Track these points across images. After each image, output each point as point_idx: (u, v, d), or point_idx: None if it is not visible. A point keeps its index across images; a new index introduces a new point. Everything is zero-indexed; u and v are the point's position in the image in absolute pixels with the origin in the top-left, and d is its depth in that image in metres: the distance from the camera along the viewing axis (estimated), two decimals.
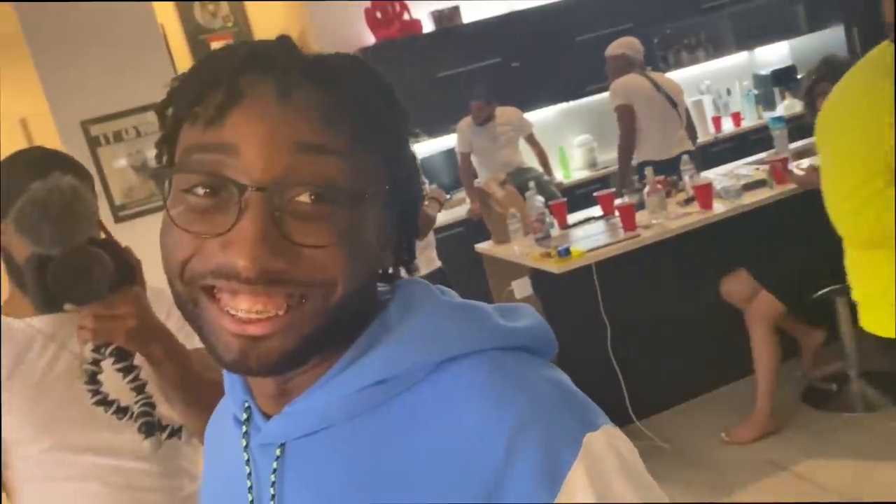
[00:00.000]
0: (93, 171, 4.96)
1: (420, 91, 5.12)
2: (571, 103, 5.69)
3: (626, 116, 4.13)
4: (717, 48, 5.89)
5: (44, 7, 4.57)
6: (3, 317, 1.24)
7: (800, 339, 3.35)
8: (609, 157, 5.57)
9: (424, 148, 5.35)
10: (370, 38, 5.25)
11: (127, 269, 1.00)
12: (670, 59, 5.67)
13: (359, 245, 0.54)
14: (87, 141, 4.74)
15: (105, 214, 4.79)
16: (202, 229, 0.52)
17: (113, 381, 1.07)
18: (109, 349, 1.02)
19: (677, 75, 5.22)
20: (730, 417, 3.20)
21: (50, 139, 5.11)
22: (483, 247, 3.88)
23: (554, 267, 3.10)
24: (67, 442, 1.19)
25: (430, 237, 3.55)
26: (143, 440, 1.02)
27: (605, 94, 5.44)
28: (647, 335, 3.38)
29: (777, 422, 3.05)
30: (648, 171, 3.43)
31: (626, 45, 4.26)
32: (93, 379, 1.02)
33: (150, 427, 1.02)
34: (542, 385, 0.55)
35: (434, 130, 5.25)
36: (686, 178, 3.64)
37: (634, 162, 4.23)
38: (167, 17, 6.28)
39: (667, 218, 3.28)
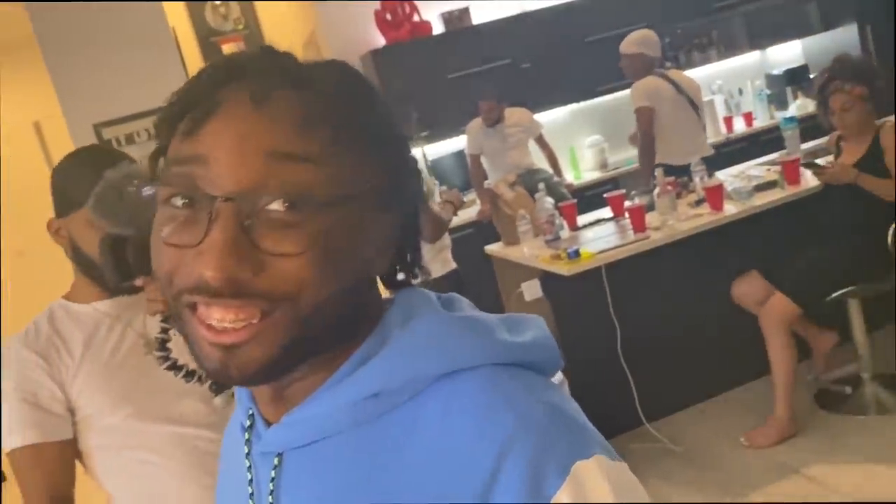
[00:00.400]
0: None
1: (430, 92, 5.13)
2: (582, 104, 5.67)
3: (646, 119, 3.99)
4: (728, 47, 5.86)
5: (55, 9, 4.60)
6: (70, 303, 1.37)
7: (811, 341, 3.32)
8: (620, 157, 5.56)
9: (435, 149, 5.36)
10: (380, 40, 5.26)
11: None
12: (681, 59, 5.64)
13: (337, 252, 0.53)
14: (100, 143, 4.77)
15: None
16: (180, 241, 0.52)
17: (178, 350, 1.19)
18: None
19: (678, 76, 5.19)
20: (742, 420, 3.18)
21: (62, 142, 5.14)
22: (493, 248, 3.88)
23: (564, 269, 3.10)
24: (140, 412, 1.31)
25: (446, 239, 3.54)
26: (214, 397, 1.11)
27: (616, 95, 5.47)
28: (657, 337, 3.36)
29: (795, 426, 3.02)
30: (658, 172, 3.42)
31: (642, 42, 4.09)
32: (163, 347, 1.12)
33: (220, 385, 1.10)
34: (535, 406, 0.53)
35: (445, 132, 5.26)
36: (697, 179, 3.62)
37: (658, 161, 4.14)
38: (178, 19, 6.32)
39: (677, 219, 3.26)
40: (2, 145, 5.73)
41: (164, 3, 4.95)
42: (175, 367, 1.13)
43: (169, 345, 1.14)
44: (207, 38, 6.64)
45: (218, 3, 6.66)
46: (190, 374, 1.14)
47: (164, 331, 1.14)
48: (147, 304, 1.11)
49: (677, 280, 3.39)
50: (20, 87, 5.83)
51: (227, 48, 6.69)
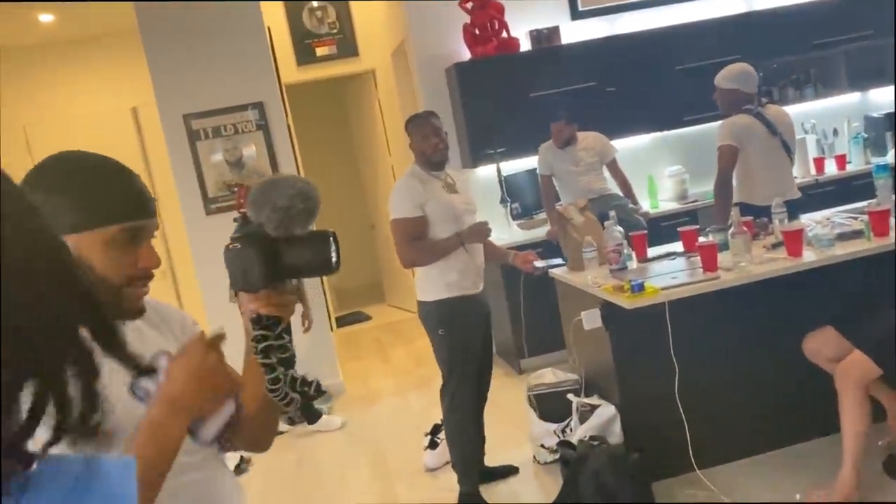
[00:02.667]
0: (190, 163, 5.17)
1: (510, 110, 5.11)
2: (666, 132, 5.55)
3: (725, 157, 3.80)
4: (826, 86, 5.62)
5: (160, 6, 4.80)
6: None
7: (887, 405, 3.14)
8: (700, 190, 5.41)
9: (510, 166, 5.33)
10: (468, 54, 5.28)
11: None
12: (775, 95, 5.44)
13: None
14: (188, 134, 4.95)
15: (197, 207, 4.98)
16: None
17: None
18: (281, 326, 1.14)
19: (774, 112, 5.00)
20: (799, 477, 3.03)
21: (155, 129, 5.36)
22: (557, 272, 3.82)
23: (625, 301, 3.02)
24: None
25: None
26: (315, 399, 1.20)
27: (703, 126, 5.33)
28: (718, 382, 3.24)
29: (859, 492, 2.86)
30: (735, 211, 3.30)
31: (738, 77, 3.89)
32: (267, 354, 1.14)
33: (318, 388, 1.16)
34: None
35: (521, 150, 5.23)
36: (776, 221, 3.48)
37: (737, 200, 3.96)
38: (274, 18, 6.50)
39: (751, 262, 3.14)
40: (102, 127, 6.01)
41: (263, 3, 5.10)
42: (276, 379, 1.16)
43: (272, 353, 1.17)
44: (302, 40, 6.82)
45: (315, 5, 6.83)
46: (276, 381, 1.16)
47: (264, 338, 1.14)
48: (274, 308, 1.13)
49: (744, 325, 3.26)
50: (124, 73, 6.12)
51: (321, 51, 6.85)
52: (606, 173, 4.87)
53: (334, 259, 1.10)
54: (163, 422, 0.97)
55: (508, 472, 3.60)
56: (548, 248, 4.69)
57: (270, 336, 1.13)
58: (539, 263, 3.48)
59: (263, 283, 1.08)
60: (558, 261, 3.76)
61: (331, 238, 1.10)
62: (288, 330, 1.16)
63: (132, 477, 0.47)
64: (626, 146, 5.16)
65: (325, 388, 1.18)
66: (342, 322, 7.41)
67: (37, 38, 5.90)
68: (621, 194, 4.86)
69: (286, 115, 5.35)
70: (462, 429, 3.31)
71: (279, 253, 1.08)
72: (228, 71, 4.94)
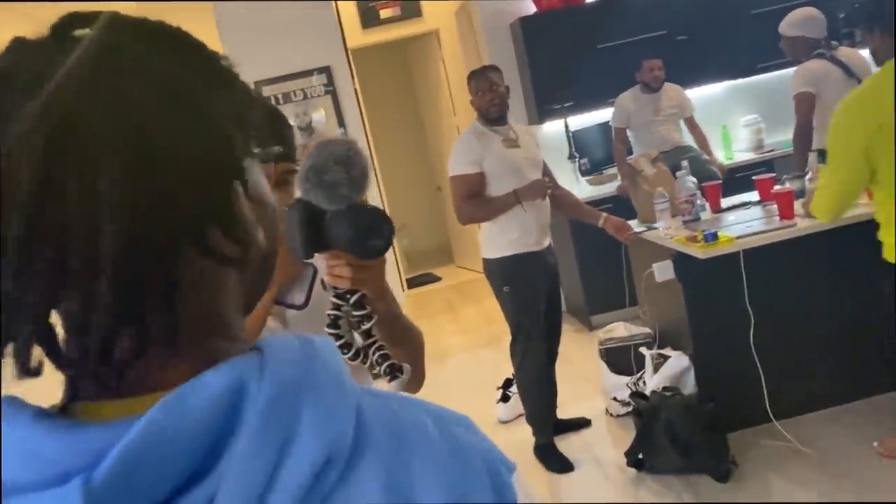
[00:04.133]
0: None
1: (578, 62, 5.03)
2: (740, 81, 5.37)
3: (804, 105, 3.66)
4: None
5: None
6: None
7: None
8: (777, 139, 5.24)
9: (578, 121, 5.26)
10: (532, 7, 5.20)
11: None
12: (856, 37, 5.18)
13: None
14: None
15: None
16: None
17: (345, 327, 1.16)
18: (354, 297, 1.07)
19: (849, 55, 4.78)
20: (879, 428, 2.96)
21: None
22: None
23: (699, 251, 2.98)
24: None
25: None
26: (389, 381, 1.08)
27: (778, 73, 5.13)
28: (794, 332, 3.18)
29: None
30: (812, 157, 3.19)
31: (802, 23, 3.73)
32: (335, 324, 1.10)
33: (394, 369, 1.09)
34: None
35: (589, 103, 5.15)
36: None
37: (815, 146, 3.84)
38: None
39: None
40: None
41: None
42: (346, 345, 1.11)
43: (340, 322, 1.11)
44: (367, 3, 6.83)
45: None
46: (357, 354, 1.11)
47: (338, 307, 1.09)
48: (330, 277, 1.06)
49: (823, 274, 3.17)
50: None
51: (385, 13, 6.86)
52: (682, 127, 4.78)
53: (377, 243, 0.98)
54: None
55: (581, 424, 3.62)
56: (618, 203, 4.64)
57: (343, 306, 1.08)
58: (638, 229, 3.42)
59: (305, 251, 1.02)
60: (658, 225, 3.62)
61: (377, 219, 0.98)
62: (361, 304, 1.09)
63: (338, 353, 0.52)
64: (699, 96, 5.02)
65: (399, 372, 1.07)
66: (412, 283, 7.51)
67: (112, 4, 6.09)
68: (694, 147, 4.76)
69: (353, 79, 5.40)
70: (534, 384, 3.34)
71: (322, 222, 0.99)
72: (296, 36, 5.01)
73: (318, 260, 1.08)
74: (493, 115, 3.20)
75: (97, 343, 0.44)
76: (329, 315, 1.09)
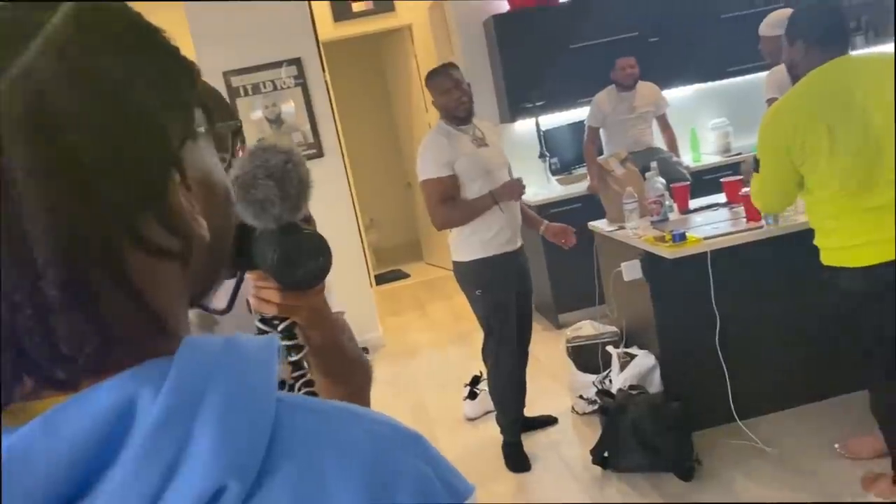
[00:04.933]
0: None
1: (551, 62, 5.04)
2: (709, 84, 5.43)
3: None
4: (878, 34, 5.43)
5: None
6: None
7: None
8: (744, 143, 5.30)
9: (550, 120, 5.28)
10: (505, 6, 5.20)
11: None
12: None
13: None
14: (228, 91, 4.98)
15: None
16: None
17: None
18: (283, 325, 0.96)
19: None
20: (840, 429, 3.01)
21: None
22: (597, 224, 3.81)
23: (666, 251, 3.00)
24: None
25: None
26: None
27: (747, 77, 5.20)
28: (759, 333, 3.22)
29: None
30: (748, 160, 3.23)
31: (782, 24, 3.78)
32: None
33: None
34: None
35: (561, 103, 5.17)
36: None
37: None
38: None
39: (795, 211, 3.08)
40: None
41: None
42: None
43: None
44: None
45: None
46: (281, 385, 0.99)
47: (261, 333, 0.98)
48: (256, 301, 0.94)
49: (788, 275, 3.21)
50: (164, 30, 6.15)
51: (357, 6, 6.81)
52: (654, 128, 4.82)
53: (303, 275, 0.85)
54: None
55: (547, 422, 3.63)
56: (587, 202, 4.66)
57: (269, 333, 0.96)
58: (607, 228, 3.42)
59: (231, 268, 0.87)
60: (627, 224, 3.54)
61: (310, 247, 0.85)
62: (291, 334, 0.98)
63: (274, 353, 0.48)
64: (669, 98, 5.06)
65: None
66: (381, 280, 7.48)
67: None
68: (664, 149, 4.80)
69: (324, 72, 5.35)
70: (507, 386, 3.31)
71: (251, 237, 0.85)
72: (267, 27, 4.94)
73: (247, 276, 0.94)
74: (460, 113, 3.10)
75: (41, 344, 0.41)
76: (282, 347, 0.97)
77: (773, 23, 3.76)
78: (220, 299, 1.00)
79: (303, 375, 0.99)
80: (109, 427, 0.40)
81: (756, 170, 2.52)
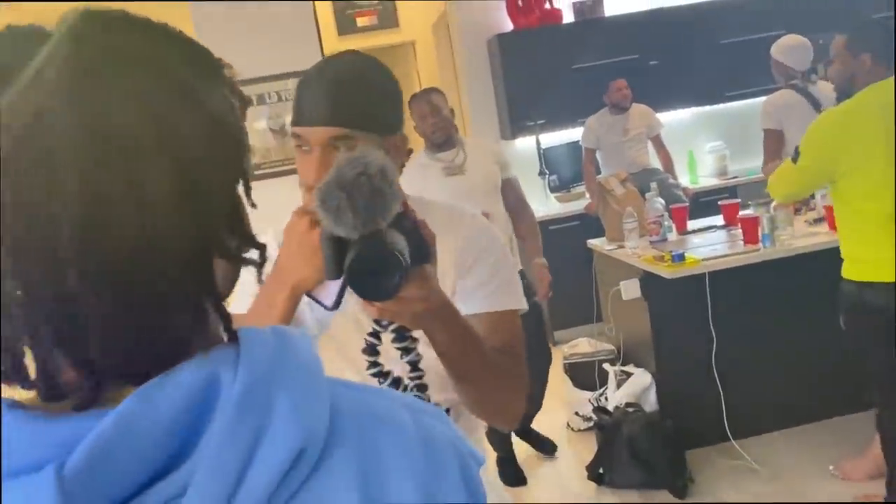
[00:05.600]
0: None
1: (552, 81, 5.11)
2: (707, 108, 5.51)
3: (771, 142, 3.63)
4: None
5: None
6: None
7: None
8: (741, 166, 5.38)
9: (550, 138, 5.34)
10: (509, 25, 5.27)
11: (421, 247, 0.91)
12: (819, 72, 5.35)
13: None
14: None
15: None
16: None
17: (385, 357, 1.04)
18: (393, 326, 0.99)
19: (825, 89, 4.94)
20: (834, 451, 3.05)
21: None
22: (595, 243, 3.86)
23: (666, 271, 3.05)
24: None
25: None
26: None
27: (745, 102, 5.28)
28: (755, 354, 3.26)
29: None
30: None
31: (786, 50, 3.73)
32: (372, 350, 1.02)
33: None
34: None
35: (562, 121, 5.23)
36: (818, 196, 3.46)
37: None
38: None
39: (792, 235, 3.14)
40: None
41: None
42: (381, 374, 1.02)
43: (378, 348, 1.02)
44: (344, 11, 6.84)
45: None
46: (395, 383, 1.02)
47: (376, 334, 1.01)
48: (363, 304, 0.93)
49: (784, 298, 3.26)
50: None
51: (362, 21, 6.88)
52: (649, 148, 4.88)
53: (369, 287, 0.85)
54: (268, 292, 1.00)
55: (544, 446, 3.57)
56: (585, 221, 4.72)
57: (381, 333, 1.01)
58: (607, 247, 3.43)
59: (327, 272, 0.90)
60: (626, 243, 3.51)
61: (378, 260, 0.84)
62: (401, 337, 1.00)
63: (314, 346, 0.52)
64: (667, 120, 5.14)
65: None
66: None
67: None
68: (662, 169, 4.87)
69: None
70: None
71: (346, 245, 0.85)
72: (273, 39, 5.00)
73: None
74: (437, 140, 3.04)
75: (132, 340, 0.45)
76: (365, 339, 1.01)
77: (779, 48, 3.77)
78: (328, 294, 1.00)
79: (419, 377, 1.01)
80: (198, 400, 0.44)
81: (794, 160, 2.53)
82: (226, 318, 0.49)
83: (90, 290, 0.43)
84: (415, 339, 1.02)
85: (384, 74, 1.16)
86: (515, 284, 1.23)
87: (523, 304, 1.23)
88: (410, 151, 1.24)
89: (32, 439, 0.42)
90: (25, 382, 0.45)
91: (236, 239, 0.51)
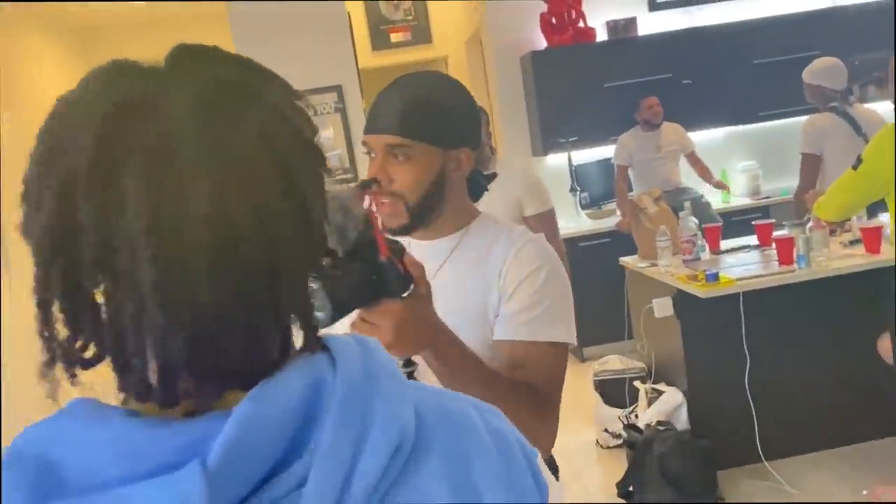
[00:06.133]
0: None
1: (585, 99, 5.14)
2: (740, 127, 5.50)
3: (808, 167, 3.62)
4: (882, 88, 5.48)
5: None
6: None
7: None
8: (774, 186, 5.36)
9: (582, 156, 5.36)
10: (543, 42, 5.32)
11: (387, 281, 0.92)
12: (855, 92, 5.33)
13: None
14: None
15: None
16: None
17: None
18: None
19: (863, 112, 4.92)
20: (868, 475, 3.03)
21: None
22: (628, 260, 3.87)
23: (699, 290, 3.06)
24: None
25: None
26: None
27: (779, 122, 5.26)
28: (789, 375, 3.25)
29: None
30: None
31: (822, 73, 3.72)
32: (409, 363, 1.05)
33: None
34: None
35: (594, 139, 5.26)
36: (854, 218, 3.45)
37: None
38: (352, 4, 6.61)
39: (828, 257, 3.13)
40: None
41: None
42: None
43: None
44: (378, 26, 6.94)
45: None
46: None
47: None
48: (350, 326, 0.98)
49: (818, 320, 3.25)
50: None
51: (396, 37, 6.97)
52: (684, 166, 4.91)
53: (346, 299, 0.86)
54: None
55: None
56: (616, 238, 4.72)
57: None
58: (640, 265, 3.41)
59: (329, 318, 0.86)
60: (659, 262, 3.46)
61: (359, 274, 0.85)
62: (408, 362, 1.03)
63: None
64: (700, 139, 5.14)
65: None
66: None
67: (129, 18, 6.15)
68: (695, 188, 4.89)
69: (362, 99, 5.48)
70: None
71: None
72: (309, 54, 5.09)
73: None
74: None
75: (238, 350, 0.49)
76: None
77: (813, 71, 3.76)
78: None
79: None
80: (306, 403, 0.48)
81: (855, 167, 2.55)
82: (314, 328, 0.53)
83: (220, 305, 0.47)
84: (412, 363, 1.05)
85: (455, 93, 1.21)
86: (561, 314, 1.20)
87: (566, 337, 1.20)
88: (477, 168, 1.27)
89: (161, 443, 0.46)
90: (145, 394, 0.48)
91: (329, 258, 0.55)
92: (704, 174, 4.94)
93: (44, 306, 0.48)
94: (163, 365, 0.47)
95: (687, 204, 3.61)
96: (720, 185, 5.08)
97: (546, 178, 5.30)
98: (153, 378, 0.47)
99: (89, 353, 0.49)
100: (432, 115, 1.15)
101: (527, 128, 5.45)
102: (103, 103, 0.47)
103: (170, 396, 0.48)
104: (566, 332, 1.20)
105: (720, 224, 3.80)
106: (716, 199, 5.19)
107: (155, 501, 0.43)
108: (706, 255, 3.62)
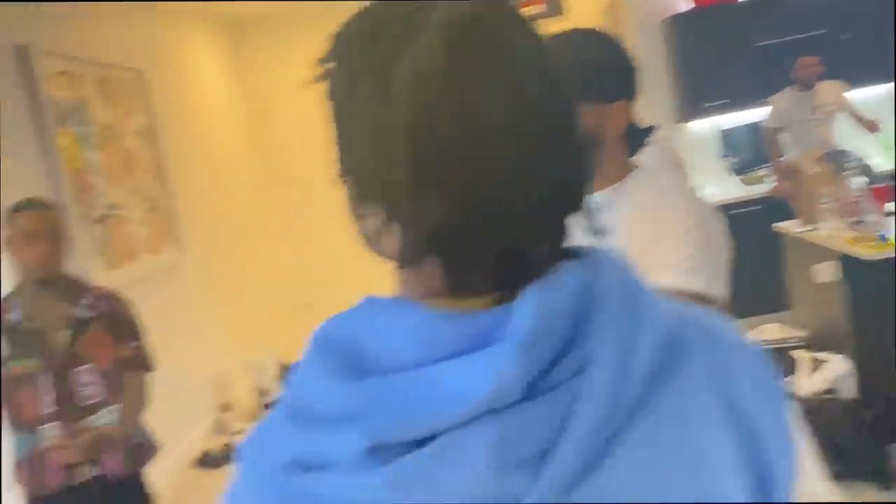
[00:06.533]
0: None
1: (733, 61, 4.94)
2: None
3: None
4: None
5: None
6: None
7: None
8: None
9: (730, 119, 5.16)
10: (684, 5, 5.14)
11: None
12: None
13: None
14: None
15: None
16: None
17: None
18: None
19: None
20: None
21: None
22: (784, 226, 3.71)
23: (869, 252, 2.91)
24: None
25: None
26: None
27: None
28: None
29: None
30: None
31: None
32: None
33: None
34: None
35: (742, 102, 5.04)
36: None
37: None
38: None
39: None
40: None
41: None
42: None
43: None
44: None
45: None
46: None
47: None
48: None
49: None
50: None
51: (530, 10, 6.94)
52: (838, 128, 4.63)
53: None
54: None
55: None
56: (768, 205, 4.53)
57: None
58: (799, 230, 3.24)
59: None
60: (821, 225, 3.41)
61: None
62: None
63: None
64: (862, 97, 4.81)
65: None
66: None
67: (278, 8, 6.41)
68: (853, 151, 4.59)
69: None
70: None
71: None
72: None
73: None
74: None
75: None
76: None
77: None
78: None
79: None
80: (580, 295, 0.51)
81: None
82: (566, 235, 0.57)
83: (528, 215, 0.52)
84: None
85: (605, 45, 1.22)
86: (706, 265, 1.16)
87: (707, 287, 1.14)
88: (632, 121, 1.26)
89: (459, 330, 0.50)
90: (462, 285, 0.52)
91: None
92: (871, 127, 4.61)
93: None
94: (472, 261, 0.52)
95: (850, 165, 3.42)
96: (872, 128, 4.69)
97: (692, 144, 5.17)
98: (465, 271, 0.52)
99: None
100: (582, 71, 1.12)
101: (668, 95, 5.30)
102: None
103: (463, 287, 0.52)
104: (707, 283, 1.15)
105: (892, 184, 3.57)
106: (879, 161, 4.86)
107: (469, 377, 0.47)
108: (873, 217, 3.42)
